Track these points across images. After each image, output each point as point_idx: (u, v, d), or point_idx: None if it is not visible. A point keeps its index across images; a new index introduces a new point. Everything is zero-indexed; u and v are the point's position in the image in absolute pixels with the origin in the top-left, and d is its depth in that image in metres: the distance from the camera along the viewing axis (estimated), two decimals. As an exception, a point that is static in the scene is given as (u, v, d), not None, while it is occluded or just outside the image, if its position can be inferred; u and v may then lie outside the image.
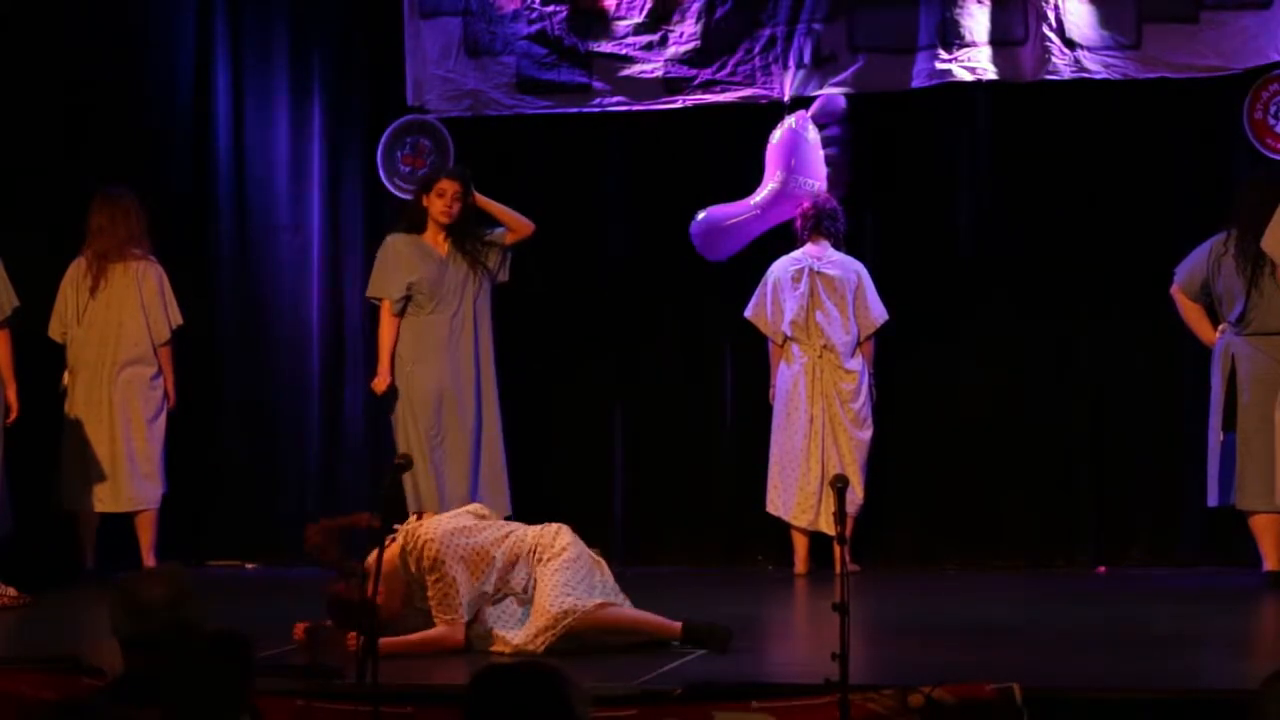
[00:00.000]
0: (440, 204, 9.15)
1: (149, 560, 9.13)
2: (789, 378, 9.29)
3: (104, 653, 5.55)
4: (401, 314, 9.23)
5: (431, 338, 9.22)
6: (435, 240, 9.24)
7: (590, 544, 6.92)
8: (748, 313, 9.41)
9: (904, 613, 8.03)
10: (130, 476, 9.22)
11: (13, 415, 8.66)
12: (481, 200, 9.22)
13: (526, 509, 8.77)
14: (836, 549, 5.49)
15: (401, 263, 9.22)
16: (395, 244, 9.27)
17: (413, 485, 9.05)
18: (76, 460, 9.22)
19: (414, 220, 9.27)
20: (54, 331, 9.32)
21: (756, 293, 9.36)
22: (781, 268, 9.34)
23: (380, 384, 9.24)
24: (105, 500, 9.23)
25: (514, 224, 9.26)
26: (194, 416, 9.74)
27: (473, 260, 9.23)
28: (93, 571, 9.11)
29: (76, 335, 9.30)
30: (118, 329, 9.26)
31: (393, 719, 5.48)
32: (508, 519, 8.30)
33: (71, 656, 6.12)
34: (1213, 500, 8.76)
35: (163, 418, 9.34)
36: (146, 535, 9.25)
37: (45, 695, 5.49)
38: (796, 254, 9.35)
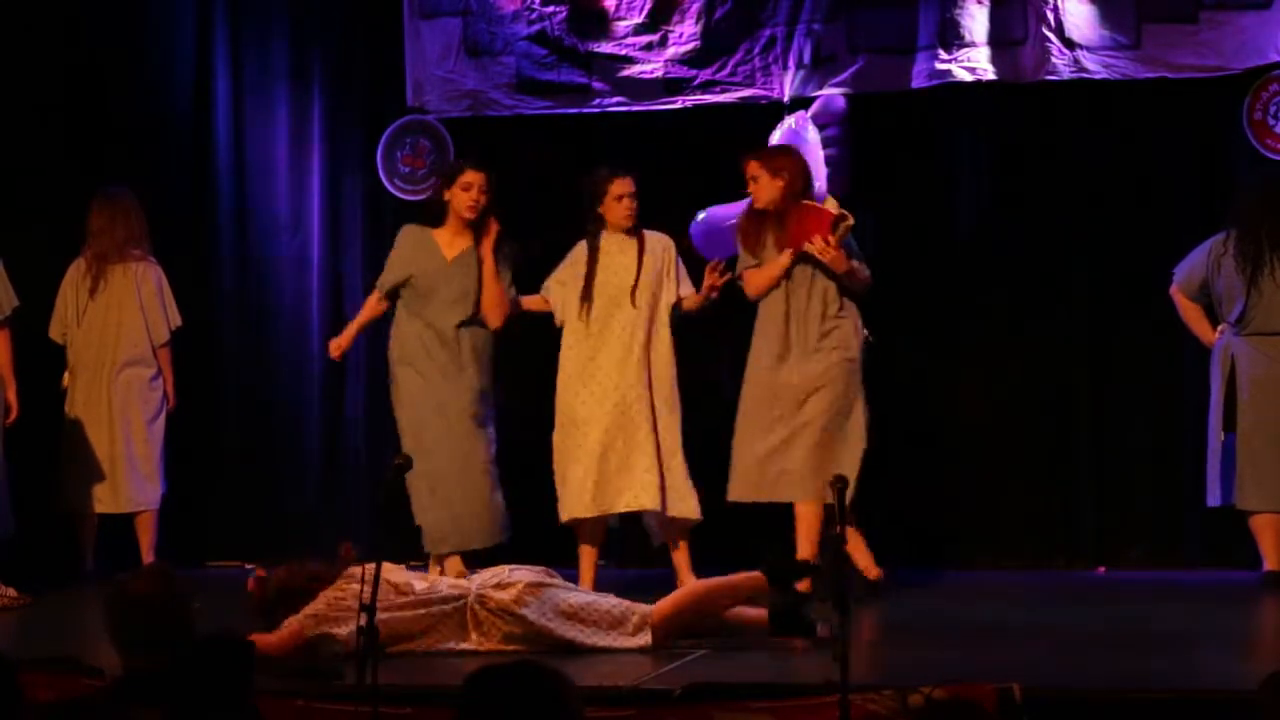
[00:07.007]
0: (466, 198, 8.34)
1: (149, 561, 9.14)
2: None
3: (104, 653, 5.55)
4: (390, 299, 8.48)
5: (419, 343, 8.39)
6: (448, 239, 8.43)
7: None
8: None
9: (905, 613, 8.02)
10: (130, 477, 9.22)
11: (12, 415, 8.67)
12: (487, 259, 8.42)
13: (525, 510, 8.75)
14: (836, 549, 5.48)
15: (402, 255, 8.49)
16: (406, 233, 8.53)
17: (421, 503, 8.35)
18: (76, 461, 9.22)
19: (433, 213, 8.50)
20: (54, 332, 9.33)
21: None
22: (778, 267, 9.30)
23: (335, 348, 8.62)
24: (105, 501, 9.24)
25: (486, 298, 8.39)
26: (194, 417, 9.74)
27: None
28: (93, 572, 9.11)
29: (76, 336, 9.31)
30: (117, 330, 9.27)
31: (392, 719, 5.48)
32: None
33: (71, 656, 6.12)
34: (1213, 500, 8.76)
35: (162, 418, 9.34)
36: (146, 536, 9.26)
37: (45, 695, 5.48)
38: (793, 254, 9.32)
